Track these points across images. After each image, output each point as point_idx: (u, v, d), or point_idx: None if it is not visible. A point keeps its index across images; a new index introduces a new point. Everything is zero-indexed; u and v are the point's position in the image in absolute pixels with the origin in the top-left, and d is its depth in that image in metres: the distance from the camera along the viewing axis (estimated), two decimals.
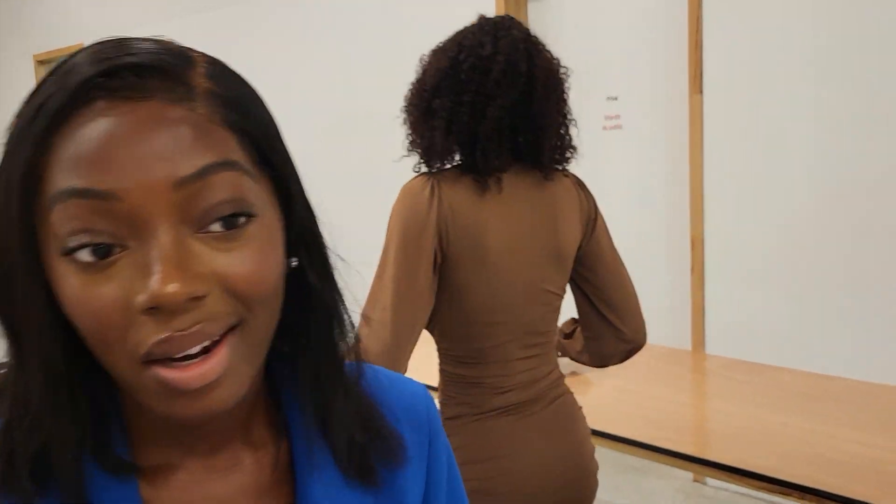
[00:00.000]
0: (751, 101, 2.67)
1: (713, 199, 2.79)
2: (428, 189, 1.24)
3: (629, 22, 3.00)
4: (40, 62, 6.25)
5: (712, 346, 2.84)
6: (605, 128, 3.12)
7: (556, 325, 1.40)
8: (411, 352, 1.26)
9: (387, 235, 1.26)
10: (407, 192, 1.26)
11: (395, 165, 1.45)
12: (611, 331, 1.41)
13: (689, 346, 2.88)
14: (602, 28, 3.09)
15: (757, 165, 2.68)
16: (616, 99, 3.07)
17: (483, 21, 1.30)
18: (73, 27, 5.81)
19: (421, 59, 1.32)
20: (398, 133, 1.35)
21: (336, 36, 3.99)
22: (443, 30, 1.37)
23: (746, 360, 2.20)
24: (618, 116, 3.07)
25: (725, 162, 2.75)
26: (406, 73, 1.39)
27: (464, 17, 1.36)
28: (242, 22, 4.46)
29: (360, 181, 3.82)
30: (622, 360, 1.47)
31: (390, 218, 1.27)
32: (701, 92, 2.76)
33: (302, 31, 4.14)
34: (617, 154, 3.09)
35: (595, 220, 1.40)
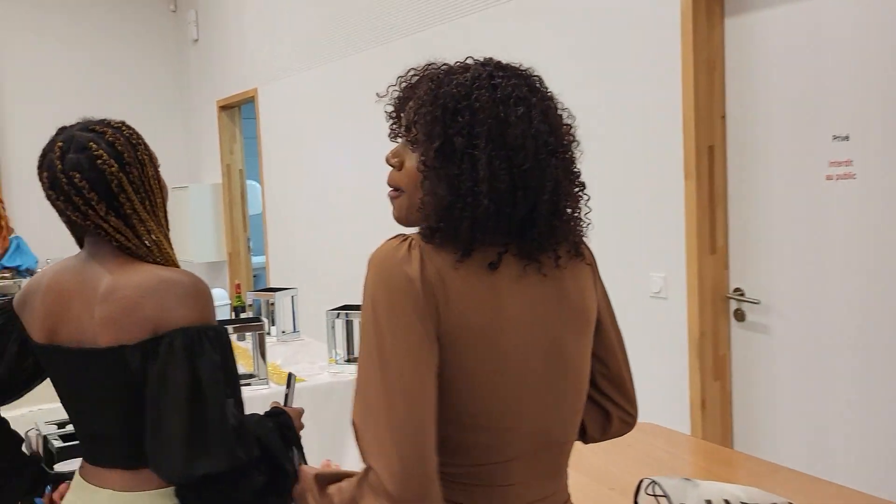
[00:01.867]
0: None
1: None
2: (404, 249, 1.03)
3: (860, 38, 2.25)
4: (222, 108, 6.38)
5: None
6: (829, 177, 2.36)
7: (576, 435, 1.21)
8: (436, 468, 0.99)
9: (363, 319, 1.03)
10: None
11: None
12: (616, 411, 1.26)
13: None
14: (825, 47, 2.35)
15: None
16: (846, 139, 2.31)
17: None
18: (248, 73, 5.86)
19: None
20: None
21: None
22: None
23: None
24: (848, 162, 2.31)
25: None
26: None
27: None
28: (400, 58, 4.13)
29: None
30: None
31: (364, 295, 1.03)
32: None
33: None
34: (846, 211, 2.32)
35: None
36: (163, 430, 1.23)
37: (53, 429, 3.78)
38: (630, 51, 2.85)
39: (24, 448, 1.52)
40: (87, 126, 1.36)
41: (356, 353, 2.99)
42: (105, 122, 1.38)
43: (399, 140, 1.14)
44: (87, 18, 6.69)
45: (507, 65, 1.10)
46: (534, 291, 1.07)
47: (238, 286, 3.95)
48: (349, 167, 4.70)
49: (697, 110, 2.65)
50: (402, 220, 1.13)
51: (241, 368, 2.15)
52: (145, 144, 1.39)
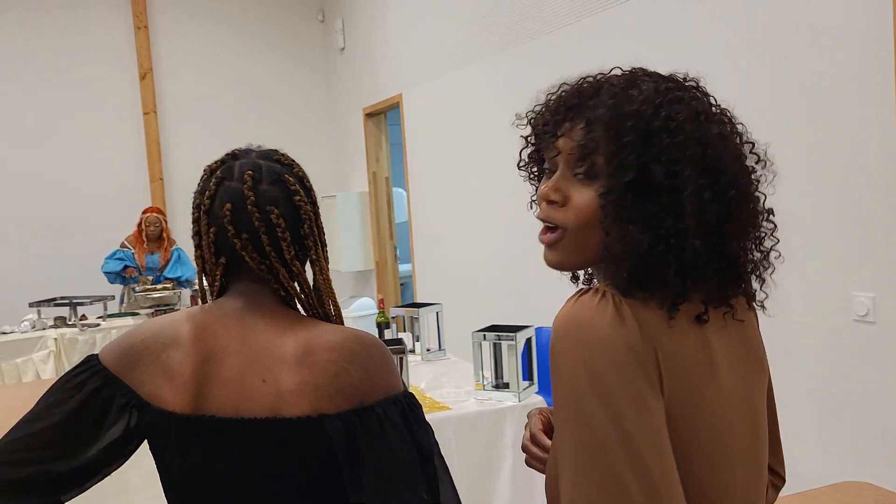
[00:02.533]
0: None
1: None
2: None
3: None
4: (368, 115, 6.35)
5: None
6: None
7: None
8: None
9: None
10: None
11: None
12: (770, 476, 1.03)
13: None
14: None
15: None
16: None
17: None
18: (393, 79, 5.78)
19: None
20: None
21: None
22: None
23: None
24: None
25: None
26: None
27: None
28: (548, 54, 3.86)
29: None
30: None
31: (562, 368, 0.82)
32: None
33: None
34: None
35: None
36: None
37: None
38: (823, 28, 2.42)
39: None
40: (268, 155, 1.16)
41: (506, 379, 2.74)
42: (281, 153, 1.18)
43: (534, 170, 0.99)
44: (239, 30, 6.88)
45: (673, 75, 0.92)
46: (733, 343, 0.92)
47: (381, 301, 3.81)
48: (496, 172, 4.47)
49: None
50: (560, 264, 0.93)
51: None
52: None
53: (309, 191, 1.15)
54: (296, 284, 1.13)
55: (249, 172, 1.11)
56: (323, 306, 1.15)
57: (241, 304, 1.11)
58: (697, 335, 0.86)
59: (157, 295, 5.71)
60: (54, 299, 5.63)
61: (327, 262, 1.17)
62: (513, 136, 4.13)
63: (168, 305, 5.79)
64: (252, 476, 1.06)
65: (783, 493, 1.75)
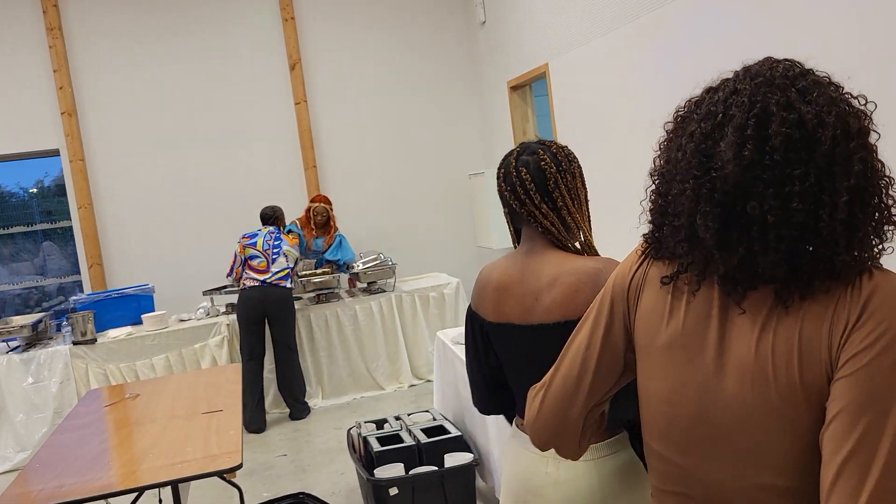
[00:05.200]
0: None
1: None
2: None
3: None
4: (512, 88, 6.21)
5: None
6: None
7: None
8: None
9: None
10: None
11: None
12: None
13: None
14: None
15: None
16: None
17: None
18: (537, 49, 5.60)
19: None
20: None
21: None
22: None
23: None
24: None
25: None
26: None
27: None
28: (696, 15, 3.55)
29: None
30: None
31: None
32: None
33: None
34: None
35: None
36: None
37: (372, 428, 3.89)
38: None
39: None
40: (541, 141, 1.73)
41: None
42: (553, 142, 1.73)
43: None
44: (380, 13, 6.90)
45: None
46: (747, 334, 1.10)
47: None
48: (649, 139, 4.20)
49: None
50: None
51: None
52: (578, 164, 1.72)
53: (559, 160, 1.67)
54: (549, 224, 1.65)
55: (517, 150, 1.71)
56: (571, 239, 1.67)
57: (525, 249, 1.70)
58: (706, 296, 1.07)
59: (317, 280, 5.89)
60: (225, 287, 5.93)
61: (578, 211, 1.68)
62: (663, 101, 3.86)
63: (329, 289, 5.96)
64: (533, 364, 1.58)
65: None
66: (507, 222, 1.75)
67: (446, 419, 3.76)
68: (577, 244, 1.67)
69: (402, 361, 5.95)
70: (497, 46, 6.49)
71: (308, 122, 6.74)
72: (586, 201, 1.71)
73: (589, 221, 1.72)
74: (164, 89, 6.49)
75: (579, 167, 1.70)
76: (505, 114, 6.46)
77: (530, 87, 6.26)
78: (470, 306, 1.82)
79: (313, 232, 5.99)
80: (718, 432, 1.01)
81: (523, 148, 1.70)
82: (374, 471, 3.30)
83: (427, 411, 3.96)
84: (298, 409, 5.50)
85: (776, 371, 0.94)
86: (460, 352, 3.69)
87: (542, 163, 1.64)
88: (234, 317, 5.60)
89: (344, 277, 6.28)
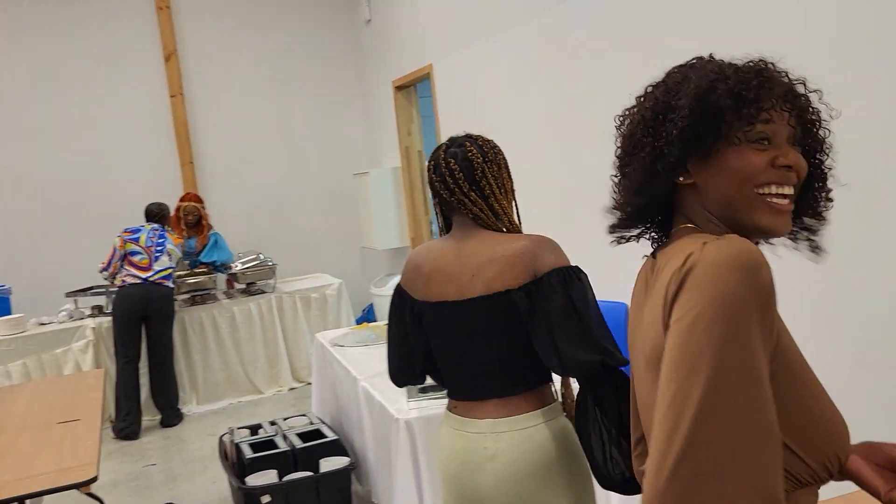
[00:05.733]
0: None
1: None
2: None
3: None
4: (397, 88, 6.18)
5: None
6: None
7: None
8: None
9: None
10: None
11: None
12: None
13: None
14: None
15: None
16: None
17: None
18: (422, 50, 5.60)
19: None
20: None
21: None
22: None
23: None
24: None
25: None
26: None
27: None
28: (580, 19, 3.65)
29: None
30: None
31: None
32: None
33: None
34: None
35: None
36: (559, 339, 1.64)
37: (246, 434, 3.75)
38: None
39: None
40: (468, 135, 1.86)
41: None
42: (479, 136, 1.87)
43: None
44: (262, 6, 6.72)
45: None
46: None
47: None
48: (532, 141, 4.28)
49: None
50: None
51: None
52: (503, 155, 1.85)
53: (485, 151, 1.80)
54: (478, 210, 1.78)
55: (446, 143, 1.84)
56: (499, 223, 1.80)
57: (458, 235, 1.81)
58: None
59: (192, 280, 5.65)
60: (91, 288, 5.59)
61: (505, 197, 1.81)
62: (543, 106, 3.94)
63: (205, 290, 5.73)
64: (473, 341, 1.75)
65: (828, 494, 1.57)
66: (437, 212, 1.87)
67: (324, 423, 3.68)
68: (504, 228, 1.79)
69: (281, 364, 5.80)
70: (382, 45, 6.45)
71: (185, 116, 6.46)
72: (512, 189, 1.84)
73: (516, 206, 1.85)
74: (28, 80, 6.06)
75: (504, 158, 1.83)
76: (390, 114, 6.42)
77: (415, 88, 6.24)
78: (399, 286, 1.90)
79: (184, 232, 5.72)
80: None
81: (451, 141, 1.83)
82: (246, 478, 3.18)
83: (304, 415, 3.87)
84: (171, 415, 5.26)
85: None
86: (339, 354, 3.62)
87: (470, 154, 1.78)
88: (100, 320, 5.29)
89: (221, 278, 6.06)
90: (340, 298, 6.07)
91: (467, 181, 1.76)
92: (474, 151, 1.78)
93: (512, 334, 1.69)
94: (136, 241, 5.15)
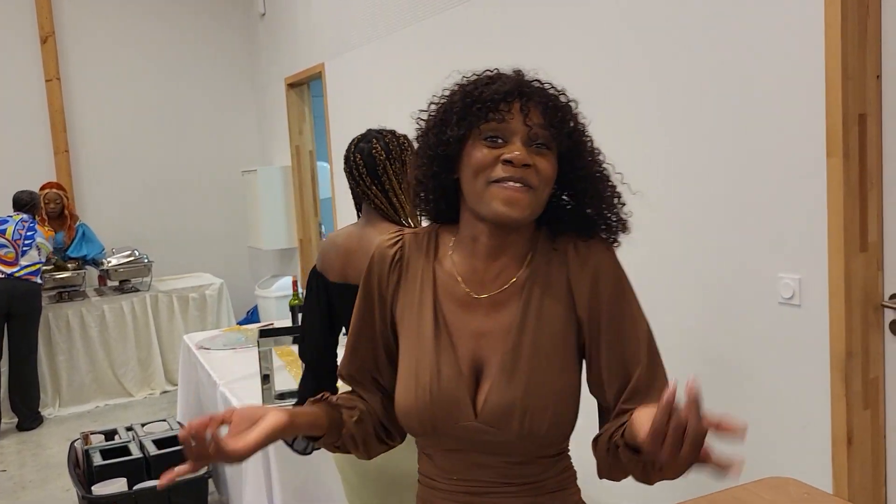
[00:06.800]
0: None
1: None
2: None
3: None
4: (290, 85, 6.05)
5: None
6: None
7: None
8: None
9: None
10: None
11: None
12: None
13: None
14: None
15: None
16: None
17: None
18: (315, 48, 5.49)
19: None
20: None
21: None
22: None
23: None
24: None
25: None
26: None
27: None
28: (467, 24, 3.65)
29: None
30: None
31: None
32: None
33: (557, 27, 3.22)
34: None
35: None
36: None
37: (101, 440, 3.56)
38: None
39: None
40: (379, 131, 2.00)
41: None
42: (391, 131, 2.01)
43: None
44: None
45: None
46: None
47: (295, 283, 3.58)
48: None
49: (845, 69, 2.06)
50: (528, 217, 1.13)
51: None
52: (412, 152, 1.78)
53: (390, 149, 1.95)
54: (378, 203, 1.95)
55: (356, 139, 1.99)
56: (397, 216, 1.97)
57: (363, 221, 2.00)
58: None
59: (60, 276, 5.35)
60: None
61: (405, 192, 1.93)
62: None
63: (73, 287, 5.43)
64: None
65: (705, 490, 1.61)
66: (353, 197, 2.05)
67: None
68: (403, 221, 1.95)
69: (154, 366, 5.56)
70: (275, 41, 6.30)
71: (61, 101, 6.12)
72: (401, 181, 1.98)
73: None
74: None
75: (411, 155, 1.94)
76: (282, 111, 6.27)
77: (308, 86, 6.13)
78: (315, 268, 2.06)
79: (47, 226, 5.37)
80: None
81: (363, 136, 1.99)
82: (93, 487, 3.01)
83: (164, 420, 3.70)
84: (30, 418, 4.94)
85: None
86: (204, 358, 3.48)
87: (374, 151, 1.94)
88: None
89: (92, 274, 5.76)
90: (221, 299, 5.88)
91: (370, 175, 1.92)
92: (378, 149, 1.93)
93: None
94: (3, 233, 4.81)
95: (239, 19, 6.82)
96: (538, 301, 1.15)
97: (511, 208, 1.08)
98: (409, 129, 4.48)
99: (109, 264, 5.51)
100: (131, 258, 5.58)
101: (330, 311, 1.99)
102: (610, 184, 1.17)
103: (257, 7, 6.50)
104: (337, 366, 2.00)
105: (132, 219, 6.35)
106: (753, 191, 2.33)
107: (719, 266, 2.46)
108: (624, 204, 1.18)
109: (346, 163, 1.98)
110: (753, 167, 2.33)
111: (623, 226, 1.19)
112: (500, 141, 1.10)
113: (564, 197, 1.20)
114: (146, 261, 5.63)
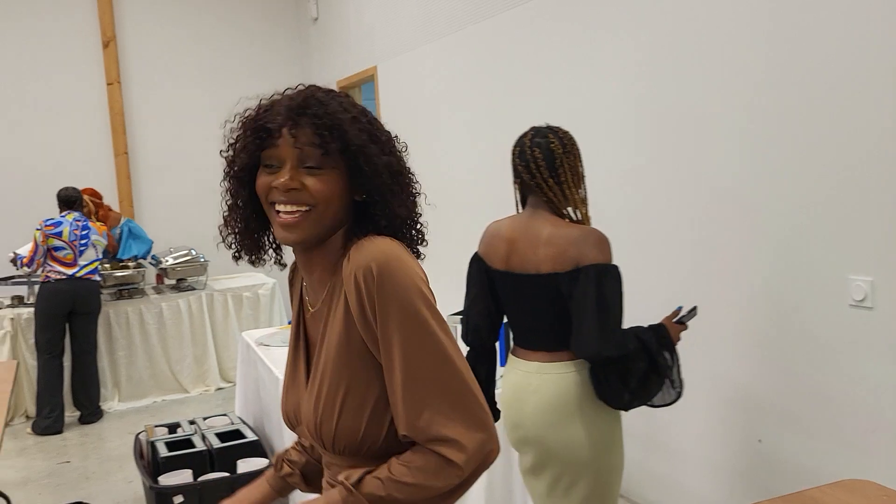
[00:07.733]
0: None
1: None
2: None
3: None
4: (342, 88, 6.12)
5: None
6: None
7: None
8: None
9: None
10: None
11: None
12: None
13: None
14: None
15: None
16: None
17: None
18: (368, 51, 5.56)
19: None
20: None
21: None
22: None
23: None
24: None
25: None
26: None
27: None
28: (519, 27, 3.67)
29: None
30: None
31: None
32: None
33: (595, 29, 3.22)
34: None
35: None
36: (583, 327, 1.93)
37: (164, 433, 3.65)
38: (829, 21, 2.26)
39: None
40: (550, 126, 2.10)
41: None
42: (559, 127, 2.10)
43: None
44: (209, 1, 6.59)
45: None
46: None
47: None
48: (473, 146, 4.29)
49: None
50: (315, 236, 1.17)
51: None
52: (578, 148, 2.09)
53: (565, 143, 2.05)
54: (552, 195, 2.04)
55: (531, 134, 2.09)
56: (566, 207, 2.06)
57: (529, 213, 2.10)
58: None
59: (120, 274, 5.48)
60: (11, 277, 5.38)
61: (577, 188, 2.06)
62: (484, 110, 3.98)
63: (132, 285, 5.57)
64: (530, 306, 2.07)
65: (780, 491, 1.61)
66: (516, 190, 2.15)
67: (245, 423, 3.60)
68: (570, 212, 2.06)
69: (209, 363, 5.67)
70: (328, 45, 6.39)
71: (121, 104, 6.29)
72: (583, 179, 2.09)
73: (585, 194, 2.09)
74: None
75: (579, 151, 2.08)
76: None
77: (360, 90, 6.20)
78: (477, 253, 2.20)
79: (94, 217, 5.43)
80: None
81: (536, 131, 2.08)
82: (159, 478, 3.09)
83: (225, 415, 3.78)
84: (91, 412, 5.08)
85: None
86: (264, 354, 3.54)
87: (552, 145, 2.03)
88: (20, 310, 5.09)
89: (151, 273, 5.90)
90: (274, 298, 5.97)
91: (547, 168, 2.02)
92: (556, 143, 2.04)
93: (556, 307, 2.01)
94: (59, 235, 4.89)
95: (292, 23, 6.94)
96: (333, 312, 1.16)
97: (289, 232, 1.11)
98: (462, 133, 4.49)
99: (167, 263, 5.63)
100: (188, 257, 5.70)
101: (493, 295, 2.15)
102: (403, 195, 1.17)
103: (310, 11, 6.60)
104: (496, 348, 2.24)
105: (188, 219, 6.48)
106: (822, 192, 2.31)
107: (787, 269, 2.43)
108: (420, 214, 1.22)
109: (519, 157, 2.07)
110: (824, 167, 2.30)
111: (420, 237, 1.23)
112: (275, 167, 1.12)
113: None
114: (202, 260, 5.74)
